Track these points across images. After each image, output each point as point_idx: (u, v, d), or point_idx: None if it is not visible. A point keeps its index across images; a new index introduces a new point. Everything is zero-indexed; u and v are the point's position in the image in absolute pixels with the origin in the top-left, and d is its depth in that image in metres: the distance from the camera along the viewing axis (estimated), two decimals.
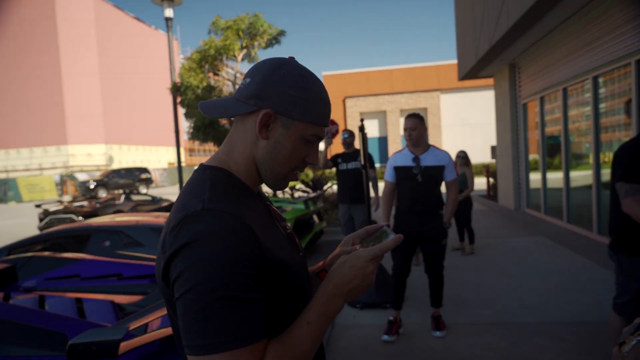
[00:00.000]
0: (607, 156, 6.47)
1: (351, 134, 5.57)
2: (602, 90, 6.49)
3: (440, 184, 3.59)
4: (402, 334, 3.66)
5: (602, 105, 6.51)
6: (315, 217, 7.30)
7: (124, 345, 1.63)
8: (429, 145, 3.63)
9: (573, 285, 4.59)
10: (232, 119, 1.03)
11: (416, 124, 3.49)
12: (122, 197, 11.18)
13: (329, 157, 6.08)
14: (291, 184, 23.64)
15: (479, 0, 8.97)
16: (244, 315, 0.75)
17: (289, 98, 0.87)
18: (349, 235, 1.05)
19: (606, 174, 6.46)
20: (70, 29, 36.63)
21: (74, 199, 11.45)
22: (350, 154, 5.54)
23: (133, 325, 1.72)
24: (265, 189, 18.09)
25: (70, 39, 36.66)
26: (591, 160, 6.77)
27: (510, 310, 4.02)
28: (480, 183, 16.03)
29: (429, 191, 3.55)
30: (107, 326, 1.94)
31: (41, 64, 36.21)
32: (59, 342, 1.91)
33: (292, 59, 0.93)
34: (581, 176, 7.30)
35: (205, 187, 0.85)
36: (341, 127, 25.71)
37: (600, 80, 6.48)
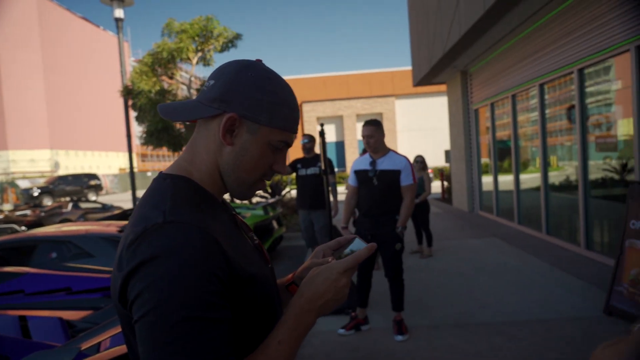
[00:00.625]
0: (553, 160, 6.81)
1: (311, 139, 5.54)
2: (547, 97, 6.83)
3: (397, 189, 3.61)
4: (366, 338, 3.65)
5: (547, 111, 6.85)
6: (274, 223, 7.21)
7: None
8: (389, 150, 3.68)
9: (525, 284, 4.77)
10: (189, 123, 0.97)
11: (372, 132, 3.57)
12: (70, 205, 10.63)
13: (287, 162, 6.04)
14: None
15: (432, 9, 9.24)
16: (211, 337, 0.68)
17: (256, 102, 0.82)
18: (319, 247, 1.00)
19: (553, 176, 6.79)
20: (9, 27, 34.56)
21: (16, 208, 10.76)
22: (309, 159, 5.50)
23: (85, 345, 1.60)
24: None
25: (10, 37, 34.59)
26: (539, 163, 7.10)
27: (468, 311, 4.11)
28: (435, 186, 16.47)
29: (384, 195, 3.60)
30: (55, 346, 1.80)
31: None
32: None
33: (259, 61, 0.88)
34: (530, 179, 7.63)
35: (166, 197, 0.78)
36: (299, 132, 25.71)
37: (546, 87, 6.82)
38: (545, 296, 4.36)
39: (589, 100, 5.72)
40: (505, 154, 8.65)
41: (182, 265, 0.68)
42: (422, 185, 6.44)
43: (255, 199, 10.90)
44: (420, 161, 6.74)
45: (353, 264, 0.80)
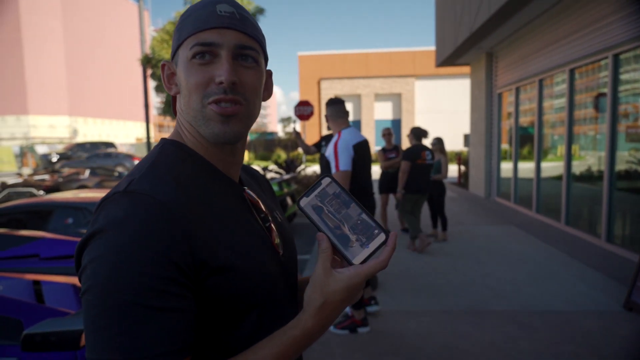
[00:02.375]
0: (575, 149, 6.60)
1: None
2: (577, 83, 6.57)
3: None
4: (376, 321, 3.62)
5: (576, 98, 6.60)
6: (288, 199, 7.18)
7: None
8: (336, 134, 3.42)
9: (543, 274, 4.67)
10: None
11: (326, 112, 3.49)
12: (87, 172, 10.74)
13: (309, 142, 5.94)
14: (263, 164, 23.45)
15: None
16: (151, 328, 0.58)
17: (173, 39, 0.78)
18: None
19: (577, 166, 6.59)
20: None
21: (35, 172, 10.91)
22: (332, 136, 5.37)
23: None
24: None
25: (32, 3, 34.66)
26: (562, 152, 6.89)
27: (482, 298, 4.05)
28: (451, 170, 16.25)
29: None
30: (68, 313, 1.78)
31: (0, 27, 34.15)
32: (12, 330, 1.74)
33: None
34: (551, 167, 7.43)
35: (146, 164, 0.71)
36: (316, 110, 25.48)
37: (576, 72, 6.55)
38: (563, 288, 4.26)
39: (622, 87, 5.48)
40: (527, 141, 8.43)
41: (129, 243, 0.60)
42: (438, 167, 6.35)
43: (269, 175, 10.88)
44: (436, 143, 6.61)
45: (378, 270, 0.66)
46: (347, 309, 3.53)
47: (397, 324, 3.55)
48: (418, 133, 5.83)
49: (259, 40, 0.77)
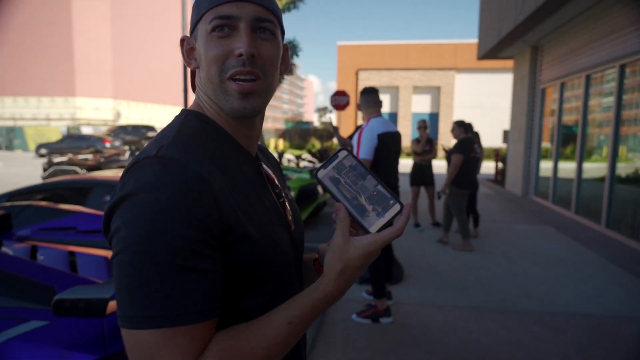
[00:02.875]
0: (622, 150, 6.28)
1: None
2: (627, 81, 6.24)
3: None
4: (399, 312, 3.60)
5: (625, 97, 6.27)
6: (319, 188, 7.20)
7: (113, 305, 1.55)
8: (367, 120, 3.45)
9: (577, 277, 4.51)
10: None
11: (359, 100, 3.48)
12: (127, 153, 11.12)
13: (344, 133, 5.90)
14: (296, 152, 23.54)
15: None
16: (185, 287, 0.61)
17: (193, 12, 0.78)
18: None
19: (622, 168, 6.28)
20: None
21: (80, 152, 11.40)
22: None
23: None
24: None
25: None
26: (606, 152, 6.58)
27: (511, 297, 3.95)
28: (488, 167, 15.84)
29: None
30: (97, 282, 1.86)
31: (52, 12, 35.61)
32: (46, 295, 1.84)
33: None
34: (594, 168, 7.11)
35: (172, 132, 0.72)
36: (353, 100, 25.33)
37: (628, 69, 6.21)
38: (599, 291, 4.10)
39: None
40: (570, 140, 8.09)
41: (164, 205, 0.61)
42: None
43: (302, 163, 10.93)
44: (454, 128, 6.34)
45: (392, 238, 0.68)
46: (371, 300, 3.53)
47: (421, 317, 3.52)
48: (467, 125, 5.61)
49: (276, 13, 0.78)
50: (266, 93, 0.76)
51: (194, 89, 0.84)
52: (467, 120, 6.36)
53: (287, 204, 0.86)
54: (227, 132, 0.78)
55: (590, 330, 3.31)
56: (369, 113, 3.43)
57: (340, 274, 0.68)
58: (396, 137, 3.42)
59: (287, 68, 0.85)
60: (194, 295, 0.61)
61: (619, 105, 6.35)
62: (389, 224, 0.68)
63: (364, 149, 3.21)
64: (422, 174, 6.48)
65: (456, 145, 5.45)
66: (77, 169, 10.21)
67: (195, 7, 0.76)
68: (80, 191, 4.62)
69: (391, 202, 0.69)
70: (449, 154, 5.82)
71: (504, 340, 3.16)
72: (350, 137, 5.18)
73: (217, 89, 0.74)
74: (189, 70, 0.88)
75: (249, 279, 0.71)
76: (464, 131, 5.53)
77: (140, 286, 0.60)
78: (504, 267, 4.84)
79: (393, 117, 25.47)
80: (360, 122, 25.58)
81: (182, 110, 0.80)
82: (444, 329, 3.32)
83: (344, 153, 0.72)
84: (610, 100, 6.57)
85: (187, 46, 0.79)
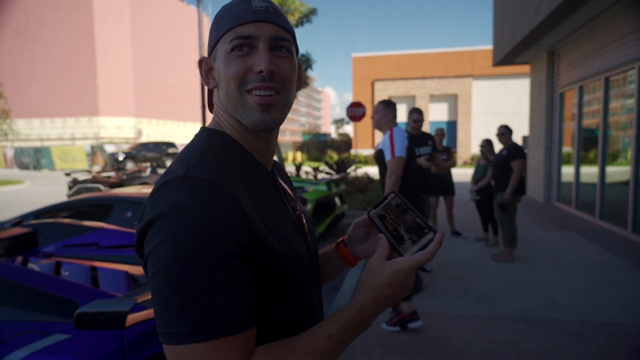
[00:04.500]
0: None
1: (420, 113, 4.96)
2: None
3: (387, 169, 3.37)
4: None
5: None
6: (337, 200, 7.22)
7: (132, 318, 1.59)
8: (389, 129, 3.48)
9: (604, 284, 4.39)
10: None
11: (377, 109, 3.53)
12: (149, 170, 11.35)
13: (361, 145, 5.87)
14: (314, 164, 23.60)
15: None
16: (225, 300, 0.64)
17: (210, 34, 0.82)
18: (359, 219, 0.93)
19: None
20: (104, 3, 37.07)
21: (103, 170, 11.69)
22: (418, 137, 4.88)
23: (142, 298, 1.68)
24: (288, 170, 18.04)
25: (105, 10, 37.14)
26: (630, 156, 6.42)
27: (534, 306, 3.87)
28: None
29: (382, 177, 3.47)
30: (117, 296, 1.91)
31: (76, 35, 36.89)
32: (69, 309, 1.90)
33: None
34: (618, 172, 6.95)
35: (196, 151, 0.75)
36: (369, 111, 25.37)
37: None
38: (626, 299, 3.98)
39: None
40: (592, 144, 7.92)
41: (198, 223, 0.64)
42: (485, 170, 6.09)
43: (320, 175, 10.97)
44: (485, 145, 6.28)
45: (423, 261, 0.73)
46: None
47: (441, 327, 3.47)
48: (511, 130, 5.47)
49: (291, 32, 0.82)
50: (285, 106, 0.80)
51: (210, 109, 0.89)
52: (484, 127, 6.29)
53: (303, 217, 0.90)
54: (245, 149, 0.82)
55: (617, 339, 3.22)
56: (391, 124, 3.51)
57: (371, 290, 0.73)
58: (413, 148, 3.56)
59: (302, 85, 0.90)
60: (232, 308, 0.64)
61: None
62: (422, 249, 0.76)
63: (399, 148, 3.28)
64: (440, 183, 6.42)
65: (513, 151, 5.23)
66: (101, 186, 10.46)
67: (214, 29, 0.81)
68: (102, 208, 4.75)
69: (426, 230, 0.77)
70: (501, 160, 5.36)
71: (526, 350, 3.09)
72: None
73: (237, 103, 0.78)
74: (206, 89, 0.93)
75: (275, 291, 0.74)
76: (510, 137, 5.39)
77: (180, 303, 0.63)
78: (526, 275, 4.74)
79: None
80: (376, 132, 25.55)
81: (202, 128, 0.84)
82: (464, 339, 3.27)
83: (392, 195, 0.82)
84: (631, 102, 6.44)
85: (206, 66, 0.84)
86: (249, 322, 0.66)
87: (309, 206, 6.15)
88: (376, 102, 25.44)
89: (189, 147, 0.78)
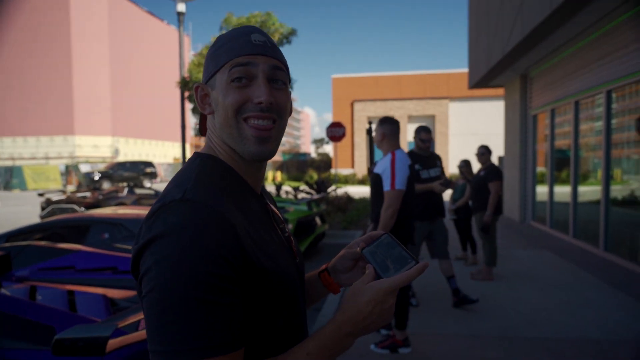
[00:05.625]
0: (617, 173, 6.36)
1: (428, 132, 4.43)
2: (615, 105, 6.38)
3: (381, 194, 3.25)
4: None
5: (614, 121, 6.40)
6: (317, 219, 7.22)
7: (112, 343, 1.56)
8: (389, 153, 3.35)
9: (578, 302, 4.49)
10: None
11: (377, 127, 3.41)
12: (125, 190, 11.16)
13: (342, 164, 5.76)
14: (294, 184, 23.59)
15: (493, 8, 8.89)
16: (216, 321, 0.66)
17: (207, 62, 0.85)
18: (354, 241, 0.97)
19: (615, 190, 6.34)
20: (83, 20, 36.84)
21: (78, 190, 11.42)
22: (428, 157, 4.43)
23: (123, 323, 1.65)
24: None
25: (83, 29, 36.86)
26: (600, 176, 6.65)
27: (513, 324, 3.92)
28: None
29: (373, 199, 3.35)
30: (96, 321, 1.87)
31: (52, 53, 36.42)
32: (46, 336, 1.84)
33: None
34: (589, 191, 7.18)
35: (192, 175, 0.78)
36: (348, 132, 25.62)
37: (614, 94, 6.37)
38: (600, 316, 4.08)
39: None
40: (564, 164, 8.18)
41: (191, 245, 0.67)
42: (463, 191, 6.20)
43: (300, 195, 10.97)
44: (464, 165, 6.42)
45: (402, 284, 0.75)
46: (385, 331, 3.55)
47: (423, 347, 3.48)
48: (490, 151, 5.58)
49: (286, 65, 0.87)
50: (279, 136, 0.85)
51: (203, 133, 0.92)
52: (460, 147, 6.40)
53: (291, 238, 0.93)
54: (238, 174, 0.84)
55: (593, 356, 3.28)
56: (394, 145, 3.37)
57: (351, 308, 0.75)
58: (413, 169, 3.48)
59: (291, 113, 0.94)
60: (223, 328, 0.67)
61: (609, 129, 6.47)
62: None
63: (400, 180, 3.17)
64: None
65: (491, 172, 5.35)
66: (76, 207, 10.22)
67: (212, 59, 0.83)
68: (78, 229, 4.63)
69: (409, 261, 0.80)
70: (480, 181, 5.48)
71: None
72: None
73: (234, 131, 0.81)
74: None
75: (265, 310, 0.76)
76: (489, 157, 5.51)
77: (172, 322, 0.65)
78: (505, 293, 4.81)
79: None
80: (356, 152, 25.80)
81: (196, 153, 0.87)
82: (446, 358, 3.28)
83: (386, 236, 0.88)
84: (600, 124, 6.70)
85: (202, 92, 0.86)
86: (236, 343, 0.68)
87: (290, 226, 6.13)
88: (356, 122, 25.52)
89: (184, 172, 0.81)
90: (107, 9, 38.40)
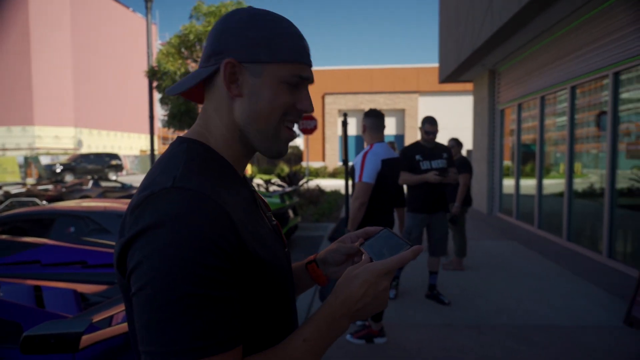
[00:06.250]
0: (578, 166, 6.61)
1: (433, 124, 4.25)
2: (577, 101, 6.62)
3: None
4: None
5: (577, 116, 6.64)
6: (290, 212, 7.20)
7: (86, 339, 1.49)
8: (368, 145, 3.36)
9: (544, 289, 4.65)
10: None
11: (363, 120, 3.41)
12: (90, 183, 10.80)
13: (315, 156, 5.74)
14: (265, 177, 23.50)
15: (464, 4, 9.03)
16: (213, 317, 0.62)
17: (251, 41, 0.75)
18: (347, 235, 0.95)
19: (578, 183, 6.59)
20: (41, 5, 35.20)
21: (38, 182, 10.98)
22: (431, 149, 4.29)
23: (97, 317, 1.58)
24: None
25: (42, 15, 35.23)
26: (563, 169, 6.90)
27: (483, 313, 4.02)
28: None
29: (353, 193, 3.33)
30: (67, 317, 1.79)
31: (9, 39, 34.68)
32: (12, 333, 1.75)
33: (249, 7, 0.82)
34: (553, 184, 7.44)
35: (180, 162, 0.72)
36: (320, 124, 25.60)
37: (578, 91, 6.60)
38: (564, 303, 4.24)
39: (622, 106, 5.51)
40: (529, 158, 8.45)
41: (187, 236, 0.62)
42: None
43: (272, 188, 10.91)
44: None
45: (396, 265, 0.73)
46: (362, 322, 3.56)
47: (398, 337, 3.53)
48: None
49: None
50: None
51: (196, 99, 0.88)
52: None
53: (279, 226, 0.91)
54: (228, 162, 0.80)
55: (560, 342, 3.41)
56: (374, 137, 3.35)
57: (344, 290, 0.72)
58: (397, 162, 3.40)
59: None
60: (222, 325, 0.63)
61: (572, 124, 6.71)
62: None
63: (368, 173, 3.16)
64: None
65: (462, 165, 5.40)
66: (37, 200, 9.81)
67: (266, 47, 0.76)
68: (42, 223, 4.45)
69: (405, 247, 0.79)
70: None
71: (479, 356, 3.20)
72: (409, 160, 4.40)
73: (270, 129, 0.78)
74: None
75: (261, 299, 0.73)
76: (459, 150, 5.58)
77: (169, 320, 0.60)
78: (476, 283, 4.94)
79: (360, 139, 25.88)
80: (327, 145, 25.84)
81: (180, 138, 0.80)
82: (419, 348, 3.34)
83: (385, 230, 0.88)
84: (564, 119, 6.94)
85: (232, 70, 0.76)
86: (236, 339, 0.65)
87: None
88: (327, 115, 25.52)
89: (170, 158, 0.75)
90: None
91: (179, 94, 0.82)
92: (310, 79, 0.80)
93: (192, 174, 0.70)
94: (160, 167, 0.73)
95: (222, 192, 0.71)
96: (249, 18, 0.76)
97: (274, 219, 0.90)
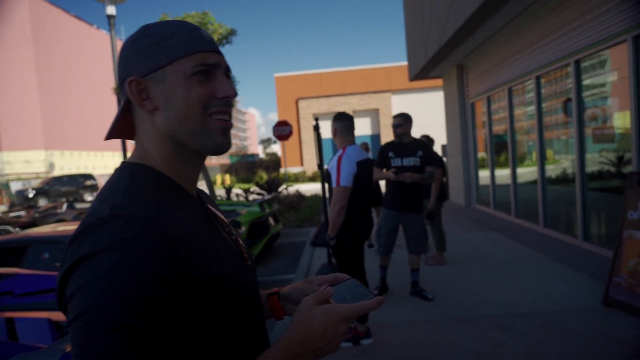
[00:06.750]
0: (550, 153, 6.78)
1: (405, 119, 4.29)
2: (543, 90, 6.79)
3: (332, 190, 3.26)
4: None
5: (544, 104, 6.81)
6: (271, 220, 7.16)
7: None
8: (341, 148, 3.35)
9: (524, 277, 4.74)
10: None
11: (333, 124, 3.40)
12: (65, 206, 10.55)
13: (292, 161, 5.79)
14: (244, 186, 23.23)
15: (427, 2, 9.17)
16: (145, 350, 0.58)
17: (145, 53, 0.76)
18: (315, 277, 0.93)
19: (549, 170, 6.75)
20: (1, 27, 34.28)
21: (10, 209, 10.67)
22: (405, 145, 4.30)
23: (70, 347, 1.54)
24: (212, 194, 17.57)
25: (2, 37, 34.31)
26: (535, 157, 7.06)
27: (467, 305, 4.07)
28: None
29: (330, 195, 3.30)
30: (41, 347, 1.74)
31: None
32: None
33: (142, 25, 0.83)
34: (527, 172, 7.60)
35: (120, 188, 0.71)
36: (295, 129, 25.61)
37: (542, 80, 6.77)
38: (545, 289, 4.33)
39: (585, 92, 5.68)
40: (502, 148, 8.62)
41: (122, 266, 0.60)
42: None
43: (251, 196, 10.84)
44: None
45: (358, 312, 0.73)
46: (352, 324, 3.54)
47: (385, 337, 3.54)
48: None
49: None
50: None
51: (126, 136, 0.85)
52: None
53: (239, 240, 0.88)
54: (172, 179, 0.78)
55: (543, 327, 3.48)
56: (346, 140, 3.36)
57: (302, 325, 0.71)
58: (371, 163, 3.43)
59: None
60: (151, 358, 0.59)
61: (540, 112, 6.88)
62: None
63: (344, 177, 3.15)
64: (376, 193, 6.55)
65: (438, 161, 5.46)
66: (9, 228, 9.53)
67: (161, 51, 0.76)
68: (14, 252, 4.32)
69: (369, 296, 0.79)
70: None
71: (467, 349, 3.24)
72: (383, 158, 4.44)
73: (197, 126, 0.76)
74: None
75: (219, 319, 0.71)
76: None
77: (100, 353, 0.57)
78: (457, 276, 5.00)
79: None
80: (305, 150, 25.84)
81: (123, 163, 0.80)
82: (405, 346, 3.35)
83: (353, 280, 0.87)
84: (532, 108, 7.11)
85: (138, 87, 0.76)
86: None
87: (243, 229, 6.03)
88: (302, 120, 25.57)
89: (111, 185, 0.74)
90: (29, 15, 35.94)
91: (113, 137, 0.83)
92: (219, 64, 0.79)
93: (131, 199, 0.69)
94: (103, 196, 0.71)
95: (167, 215, 0.69)
96: (140, 33, 0.78)
97: (233, 232, 0.88)
